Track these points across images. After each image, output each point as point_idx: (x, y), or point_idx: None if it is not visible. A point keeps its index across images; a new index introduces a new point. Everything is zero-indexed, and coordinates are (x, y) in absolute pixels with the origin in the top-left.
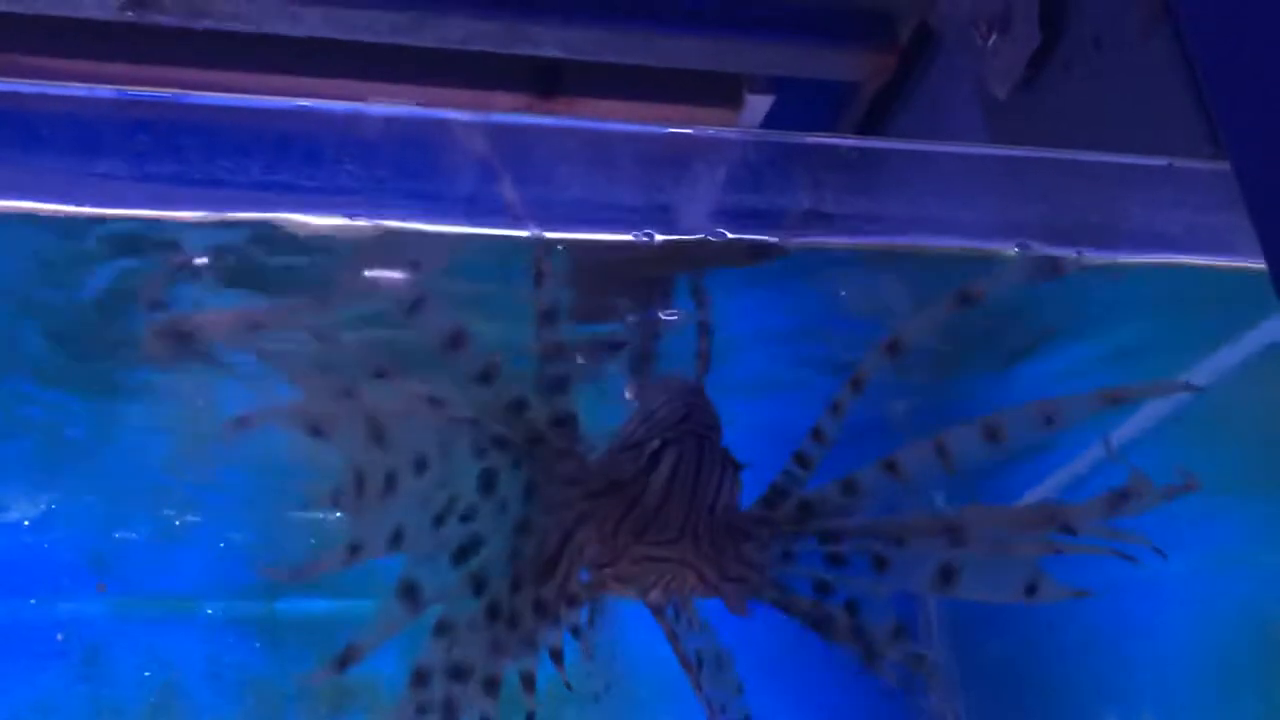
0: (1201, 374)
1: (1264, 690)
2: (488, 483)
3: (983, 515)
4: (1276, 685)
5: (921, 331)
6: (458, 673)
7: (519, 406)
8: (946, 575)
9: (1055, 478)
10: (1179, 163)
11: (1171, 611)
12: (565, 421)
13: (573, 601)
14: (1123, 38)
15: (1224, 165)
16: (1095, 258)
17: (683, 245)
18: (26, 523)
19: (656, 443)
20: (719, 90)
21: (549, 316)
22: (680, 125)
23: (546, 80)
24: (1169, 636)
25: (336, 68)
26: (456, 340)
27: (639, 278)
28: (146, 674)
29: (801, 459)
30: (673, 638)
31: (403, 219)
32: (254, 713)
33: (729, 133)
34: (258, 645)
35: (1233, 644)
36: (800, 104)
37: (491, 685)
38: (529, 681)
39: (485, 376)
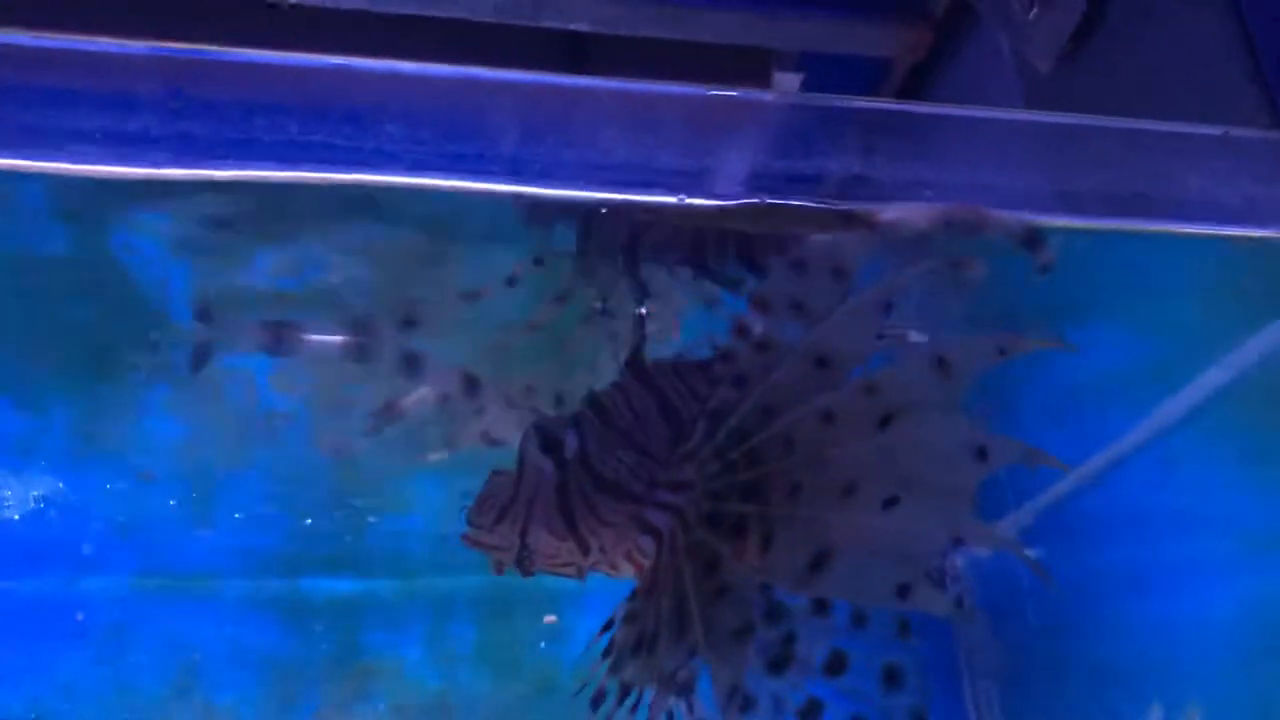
0: (1253, 349)
1: None
2: None
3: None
4: None
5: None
6: None
7: None
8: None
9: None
10: (1235, 131)
11: (1218, 597)
12: None
13: None
14: (1174, 7)
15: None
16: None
17: (779, 209)
18: (42, 504)
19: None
20: (747, 68)
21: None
22: None
23: (573, 54)
24: (1216, 623)
25: (360, 41)
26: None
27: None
28: (168, 655)
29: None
30: None
31: (443, 178)
32: (276, 694)
33: (775, 96)
34: (281, 626)
35: (1273, 627)
36: (830, 82)
37: None
38: None
39: None
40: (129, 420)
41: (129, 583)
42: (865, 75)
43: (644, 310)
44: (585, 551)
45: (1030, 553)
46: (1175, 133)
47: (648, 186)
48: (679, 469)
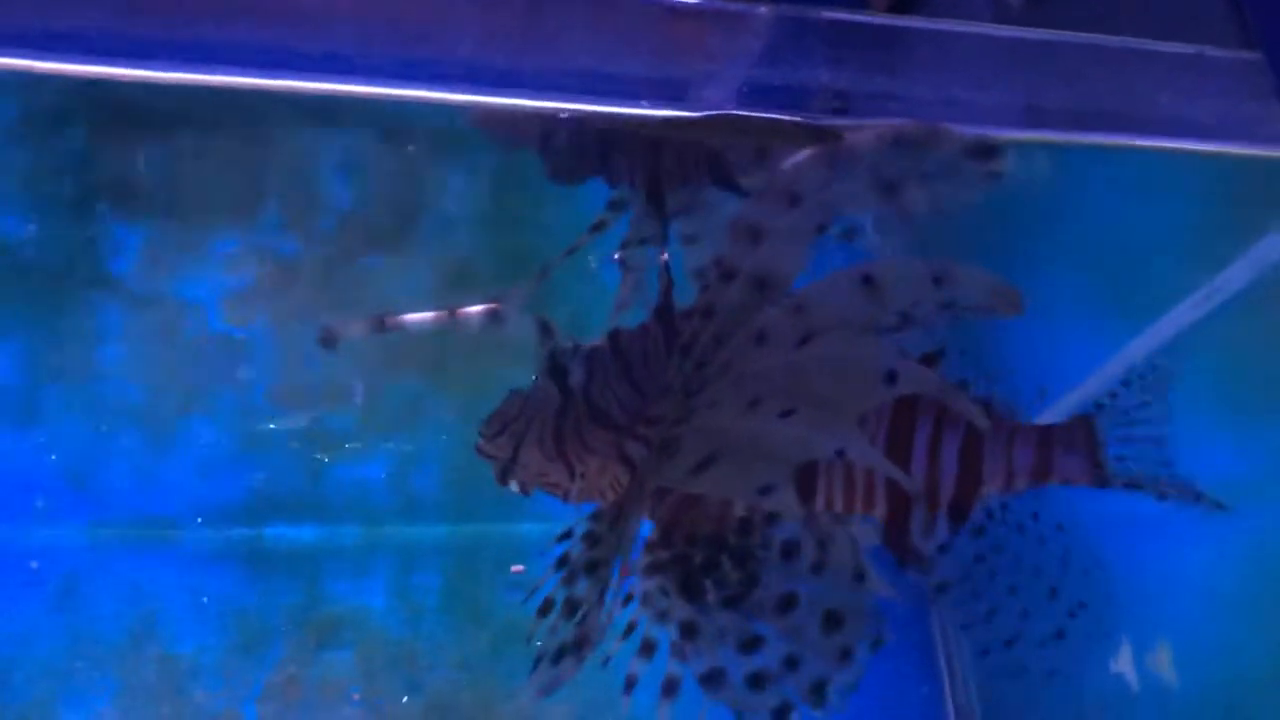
0: (1233, 275)
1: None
2: None
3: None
4: None
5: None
6: None
7: None
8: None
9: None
10: (1209, 51)
11: (1190, 541)
12: None
13: None
14: None
15: (1255, 55)
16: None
17: (743, 121)
18: None
19: None
20: None
21: None
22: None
23: None
24: (1187, 566)
25: None
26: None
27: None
28: (125, 604)
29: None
30: None
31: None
32: (237, 644)
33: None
34: (242, 574)
35: (1246, 578)
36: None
37: None
38: None
39: None
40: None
41: (85, 530)
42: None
43: (667, 255)
44: (571, 475)
45: None
46: (1148, 50)
47: (616, 96)
48: (656, 404)
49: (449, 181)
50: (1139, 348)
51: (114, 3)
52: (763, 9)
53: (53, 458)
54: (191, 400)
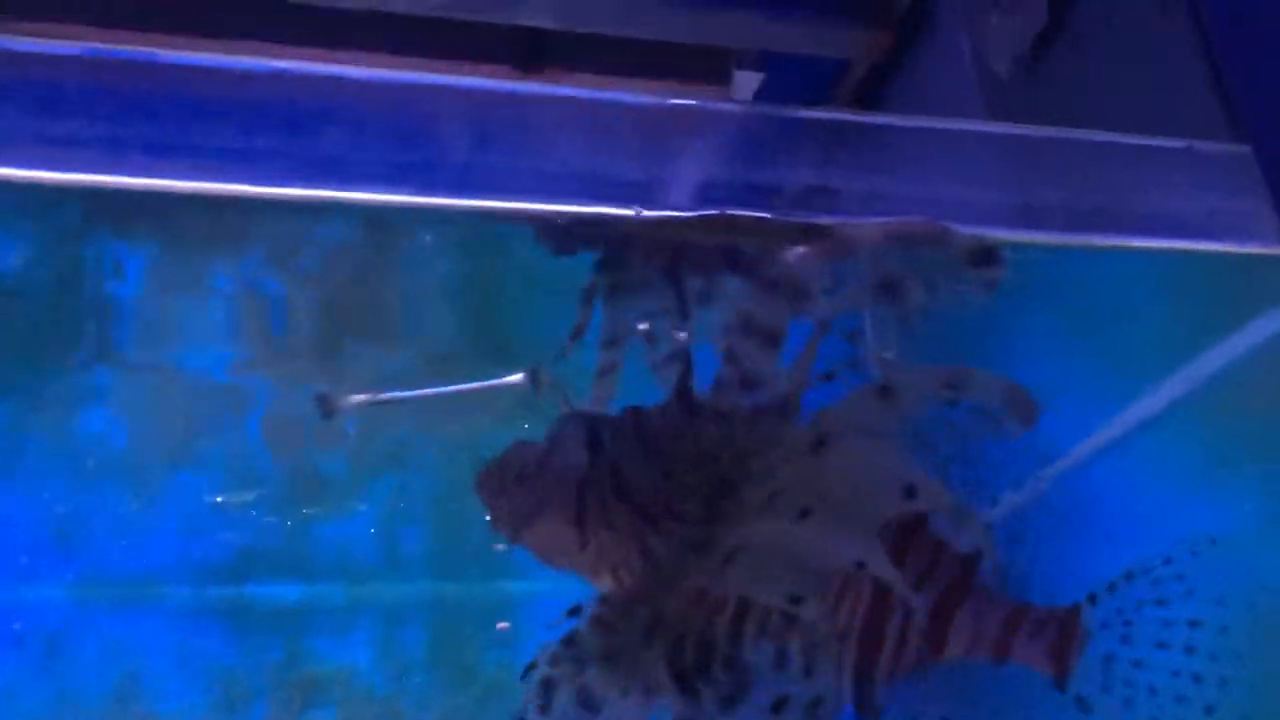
0: (1211, 361)
1: (1257, 686)
2: None
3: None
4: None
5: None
6: None
7: None
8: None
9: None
10: (1199, 145)
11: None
12: None
13: None
14: (1136, 16)
15: (1244, 149)
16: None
17: (744, 219)
18: None
19: None
20: (706, 66)
21: None
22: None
23: (528, 52)
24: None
25: (308, 35)
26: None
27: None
28: (109, 662)
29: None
30: None
31: (388, 191)
32: (221, 704)
33: (728, 105)
34: (226, 633)
35: (1226, 635)
36: (790, 82)
37: None
38: None
39: None
40: (67, 420)
41: (69, 589)
42: (825, 75)
43: (685, 334)
44: (582, 547)
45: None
46: (1138, 145)
47: (605, 198)
48: (682, 499)
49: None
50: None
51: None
52: (744, 106)
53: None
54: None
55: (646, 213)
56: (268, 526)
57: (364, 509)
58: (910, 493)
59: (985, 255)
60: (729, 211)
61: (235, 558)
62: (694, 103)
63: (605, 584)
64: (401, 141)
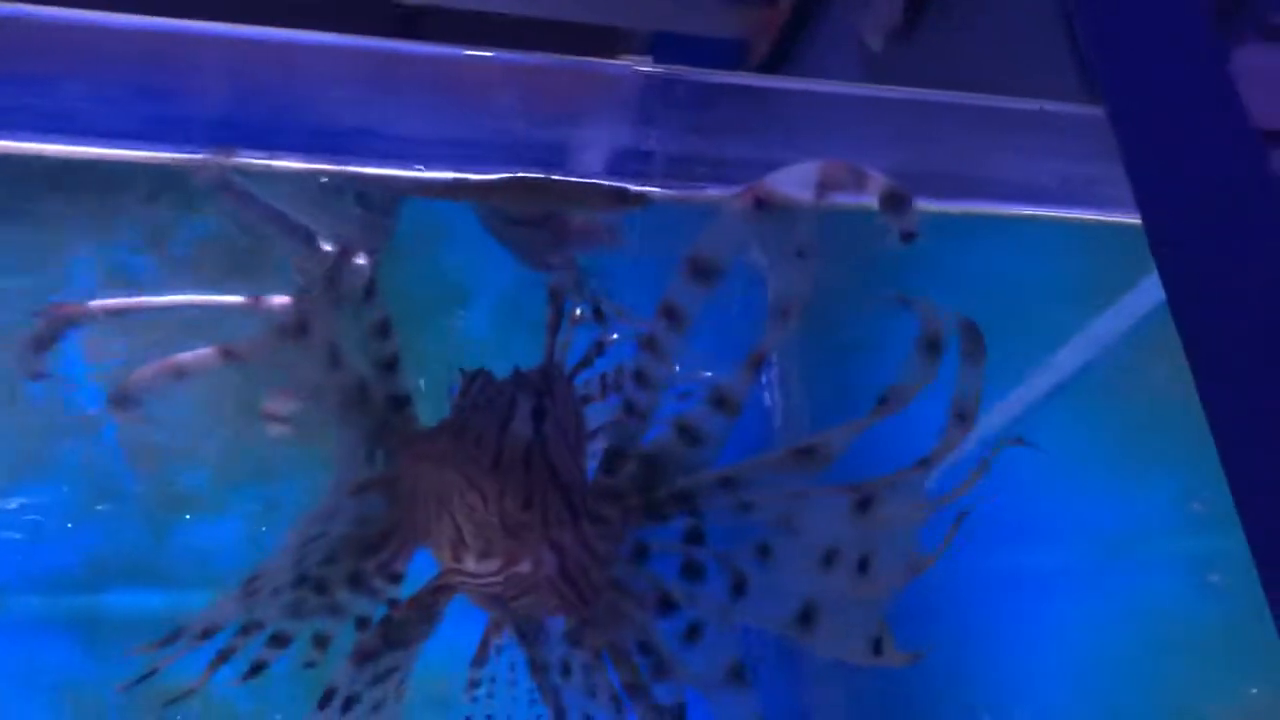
0: (1086, 340)
1: (1154, 690)
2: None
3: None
4: (1169, 685)
5: (721, 247)
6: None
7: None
8: (809, 612)
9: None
10: (1050, 106)
11: (1054, 604)
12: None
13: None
14: None
15: (1099, 111)
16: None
17: (543, 184)
18: None
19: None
20: (593, 49)
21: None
22: None
23: (404, 27)
24: (1051, 630)
25: (172, 6)
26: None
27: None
28: None
29: (630, 408)
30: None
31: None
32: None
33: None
34: (78, 645)
35: (1120, 640)
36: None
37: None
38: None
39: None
40: None
41: None
42: (717, 62)
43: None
44: (514, 561)
45: None
46: (989, 107)
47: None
48: (599, 502)
49: None
50: (1017, 399)
51: None
52: (633, 68)
53: None
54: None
55: (435, 174)
56: (126, 532)
57: (231, 513)
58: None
59: (896, 199)
60: (529, 175)
61: (89, 566)
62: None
63: (506, 575)
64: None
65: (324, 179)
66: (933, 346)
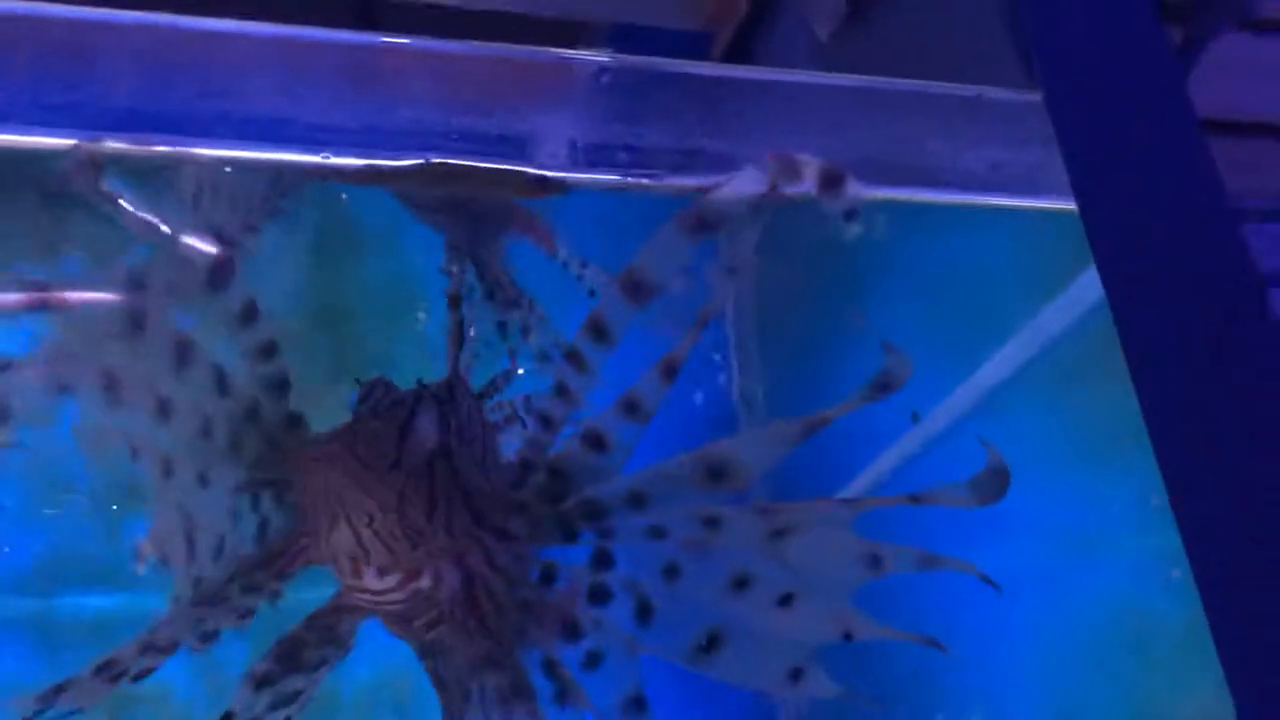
0: (1042, 325)
1: (1118, 688)
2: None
3: (744, 444)
4: (1146, 684)
5: (660, 265)
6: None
7: (253, 411)
8: (713, 640)
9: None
10: (989, 92)
11: (1016, 603)
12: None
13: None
14: None
15: (1035, 96)
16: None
17: (459, 170)
18: None
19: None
20: (551, 42)
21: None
22: None
23: (359, 18)
24: (1012, 630)
25: None
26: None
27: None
28: None
29: (545, 420)
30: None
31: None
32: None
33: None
34: (31, 648)
35: (1086, 637)
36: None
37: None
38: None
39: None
40: None
41: None
42: (682, 54)
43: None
44: (416, 546)
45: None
46: (924, 93)
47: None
48: (506, 516)
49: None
50: (964, 397)
51: None
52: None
53: None
54: None
55: (345, 160)
56: (80, 532)
57: None
58: (876, 562)
59: (832, 181)
60: (446, 160)
61: (39, 566)
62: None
63: (408, 590)
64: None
65: (228, 168)
66: (884, 389)
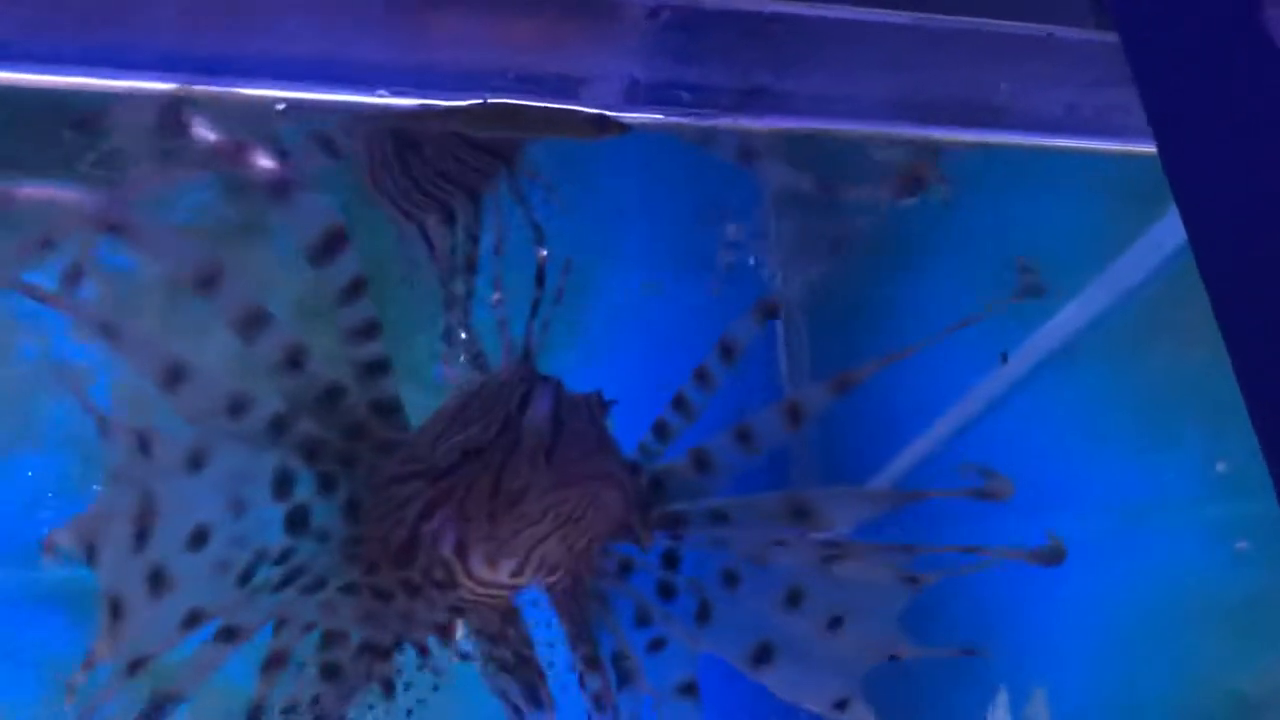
0: (1107, 282)
1: (1177, 658)
2: (296, 521)
3: (834, 497)
4: (1193, 653)
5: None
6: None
7: (334, 394)
8: (766, 651)
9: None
10: (1060, 32)
11: (1073, 575)
12: (388, 408)
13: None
14: None
15: (1110, 37)
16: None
17: (515, 110)
18: None
19: (522, 386)
20: None
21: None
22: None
23: None
24: (1070, 602)
25: None
26: (255, 319)
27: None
28: None
29: (660, 430)
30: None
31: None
32: (57, 700)
33: None
34: (62, 619)
35: (1143, 608)
36: None
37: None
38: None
39: (293, 361)
40: None
41: None
42: None
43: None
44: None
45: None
46: (992, 32)
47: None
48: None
49: None
50: (1028, 354)
51: None
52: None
53: None
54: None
55: (401, 101)
56: None
57: None
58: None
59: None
60: (504, 100)
61: None
62: None
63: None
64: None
65: (280, 105)
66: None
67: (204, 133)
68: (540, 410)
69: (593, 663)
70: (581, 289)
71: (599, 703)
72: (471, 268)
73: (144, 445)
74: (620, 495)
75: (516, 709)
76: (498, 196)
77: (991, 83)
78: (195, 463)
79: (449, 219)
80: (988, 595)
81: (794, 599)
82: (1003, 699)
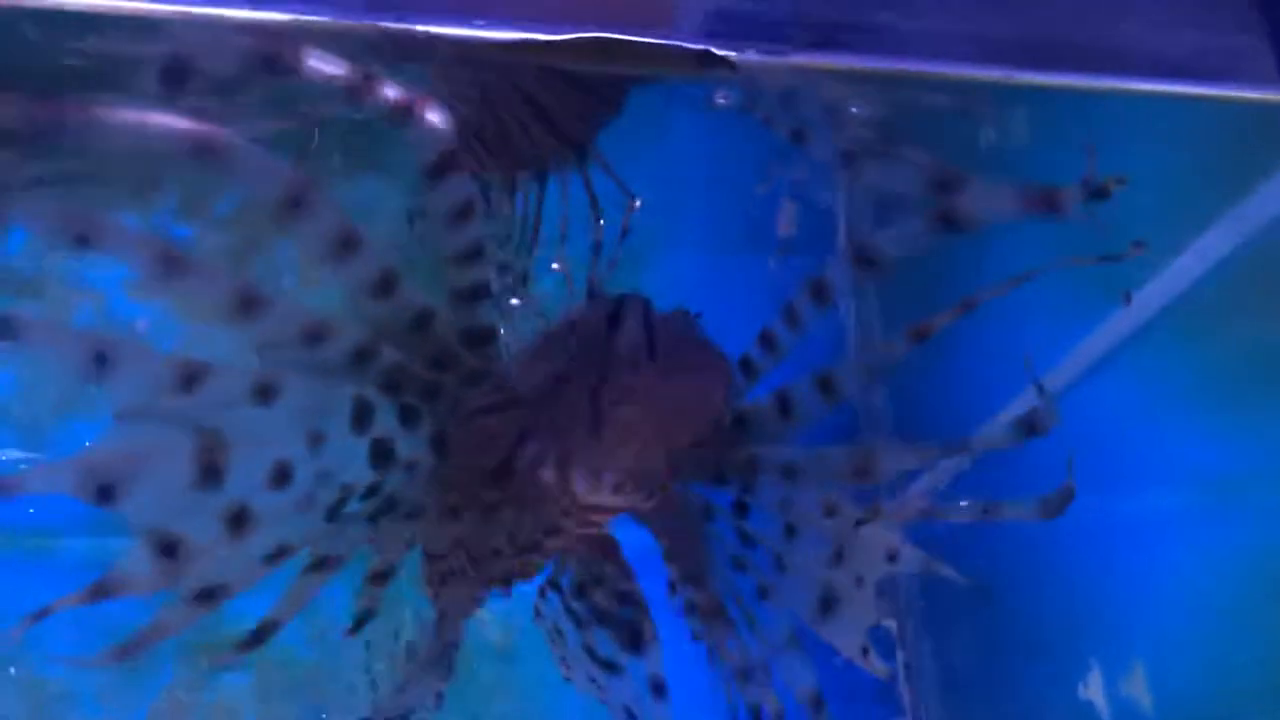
0: (1209, 243)
1: (1270, 639)
2: (382, 454)
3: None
4: None
5: (896, 243)
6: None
7: (425, 320)
8: (827, 602)
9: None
10: None
11: (1164, 550)
12: (482, 338)
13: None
14: None
15: None
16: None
17: (618, 44)
18: None
19: (607, 306)
20: None
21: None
22: None
23: None
24: (1161, 577)
25: None
26: (346, 241)
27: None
28: None
29: (746, 366)
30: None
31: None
32: (121, 667)
33: None
34: None
35: (1235, 584)
36: None
37: None
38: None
39: (384, 285)
40: None
41: None
42: None
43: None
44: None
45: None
46: None
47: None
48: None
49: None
50: (1116, 327)
51: None
52: None
53: None
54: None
55: (498, 34)
56: None
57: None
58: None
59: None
60: (606, 35)
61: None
62: None
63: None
64: None
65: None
66: (1029, 430)
67: (323, 67)
68: (633, 319)
69: (700, 585)
70: (643, 264)
71: (713, 642)
72: (533, 242)
73: (189, 380)
74: (722, 381)
75: (608, 666)
76: (564, 179)
77: (1111, 23)
78: (263, 396)
79: (511, 190)
80: (1078, 570)
81: (838, 555)
82: (1095, 675)
